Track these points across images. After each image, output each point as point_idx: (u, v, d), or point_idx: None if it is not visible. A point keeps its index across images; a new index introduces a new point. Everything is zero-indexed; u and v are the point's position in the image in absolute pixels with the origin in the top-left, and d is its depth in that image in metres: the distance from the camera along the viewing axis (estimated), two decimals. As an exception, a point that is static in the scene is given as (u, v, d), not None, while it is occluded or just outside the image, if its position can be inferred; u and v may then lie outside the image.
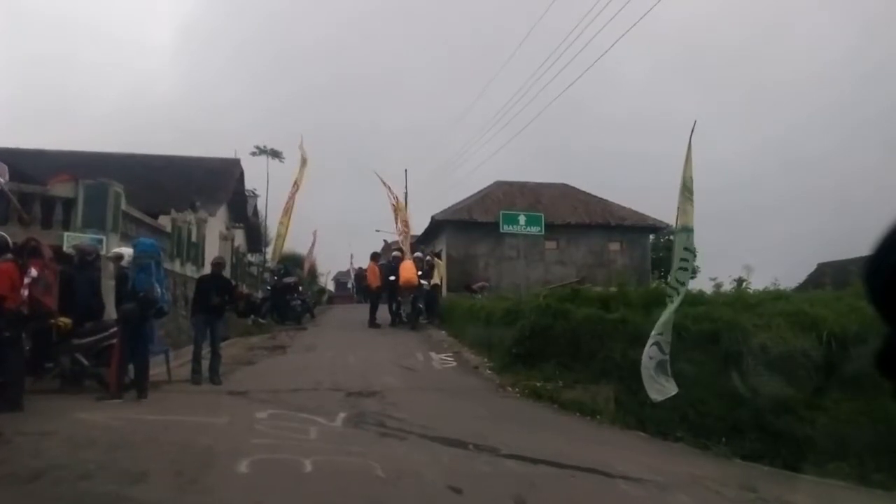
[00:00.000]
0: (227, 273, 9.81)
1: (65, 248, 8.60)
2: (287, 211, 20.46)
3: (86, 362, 7.29)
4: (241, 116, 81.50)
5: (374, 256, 17.48)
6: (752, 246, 37.69)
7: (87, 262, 7.83)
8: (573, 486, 4.87)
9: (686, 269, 7.63)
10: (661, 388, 7.56)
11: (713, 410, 8.08)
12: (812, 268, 22.67)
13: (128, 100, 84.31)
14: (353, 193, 75.27)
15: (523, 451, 5.60)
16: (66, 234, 9.24)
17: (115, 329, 7.34)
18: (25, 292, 6.52)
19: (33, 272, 6.63)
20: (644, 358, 7.63)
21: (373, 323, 15.32)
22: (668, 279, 8.03)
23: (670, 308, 7.54)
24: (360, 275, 24.33)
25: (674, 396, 7.98)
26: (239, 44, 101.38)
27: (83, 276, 7.62)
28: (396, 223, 19.66)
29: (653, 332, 7.71)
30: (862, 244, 0.91)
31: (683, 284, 7.62)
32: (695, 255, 8.32)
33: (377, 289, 15.97)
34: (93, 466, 4.30)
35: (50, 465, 4.35)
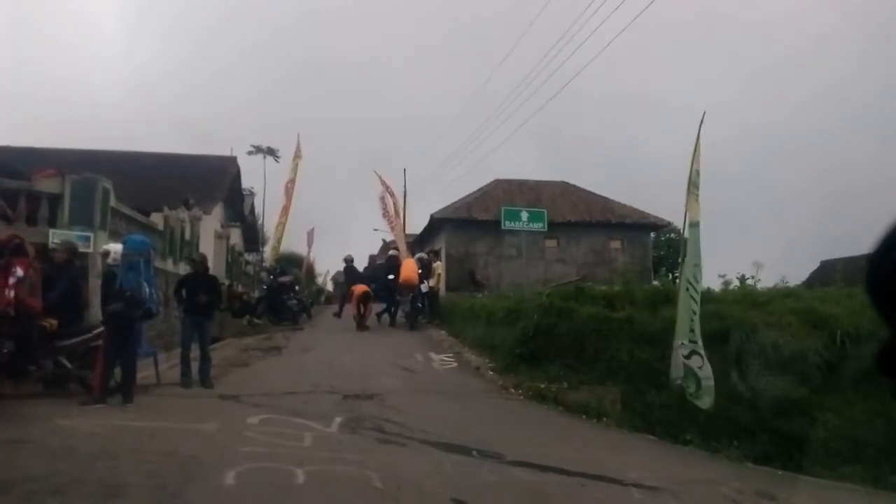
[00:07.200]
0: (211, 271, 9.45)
1: (50, 247, 8.26)
2: (285, 210, 20.28)
3: (69, 365, 6.96)
4: (238, 114, 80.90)
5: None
6: (753, 243, 37.47)
7: (67, 260, 7.49)
8: (585, 496, 4.59)
9: (699, 266, 7.36)
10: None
11: (722, 412, 7.84)
12: (815, 265, 22.41)
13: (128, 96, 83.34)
14: (351, 193, 74.91)
15: (530, 457, 5.33)
16: (51, 231, 8.90)
17: (100, 330, 7.00)
18: (11, 293, 6.20)
19: (19, 272, 6.31)
20: (699, 372, 7.37)
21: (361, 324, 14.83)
22: (685, 277, 7.73)
23: (699, 311, 7.29)
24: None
25: (681, 398, 7.77)
26: (236, 40, 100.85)
27: (63, 275, 7.27)
28: (392, 223, 19.46)
29: (685, 342, 7.45)
30: (865, 240, 0.90)
31: (698, 282, 7.36)
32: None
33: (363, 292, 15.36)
34: (68, 479, 3.98)
35: (22, 476, 4.03)
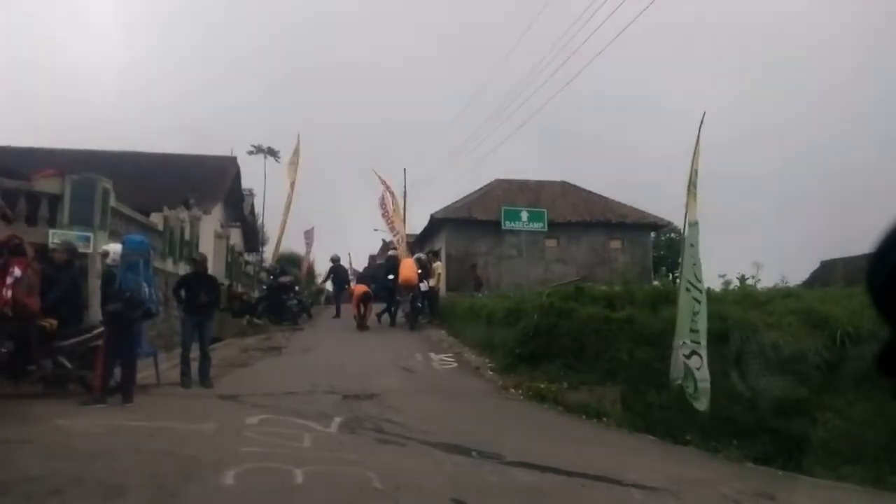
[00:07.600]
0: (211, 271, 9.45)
1: (49, 247, 8.27)
2: (287, 210, 20.37)
3: (69, 365, 6.96)
4: (238, 114, 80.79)
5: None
6: (753, 243, 37.45)
7: (66, 260, 7.49)
8: (585, 497, 4.59)
9: (698, 265, 7.36)
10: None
11: (722, 412, 7.84)
12: (815, 265, 22.41)
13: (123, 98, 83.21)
14: (351, 193, 74.86)
15: (530, 457, 5.33)
16: (51, 231, 8.90)
17: (100, 330, 7.01)
18: (9, 293, 6.21)
19: (17, 272, 6.33)
20: (696, 373, 7.38)
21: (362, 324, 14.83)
22: (685, 277, 7.73)
23: (703, 310, 7.29)
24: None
25: (681, 398, 7.77)
26: (236, 40, 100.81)
27: (63, 276, 7.27)
28: (392, 223, 19.47)
29: (686, 341, 7.44)
30: (865, 240, 0.91)
31: (700, 282, 7.36)
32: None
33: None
34: (67, 479, 3.98)
35: (21, 476, 4.04)
